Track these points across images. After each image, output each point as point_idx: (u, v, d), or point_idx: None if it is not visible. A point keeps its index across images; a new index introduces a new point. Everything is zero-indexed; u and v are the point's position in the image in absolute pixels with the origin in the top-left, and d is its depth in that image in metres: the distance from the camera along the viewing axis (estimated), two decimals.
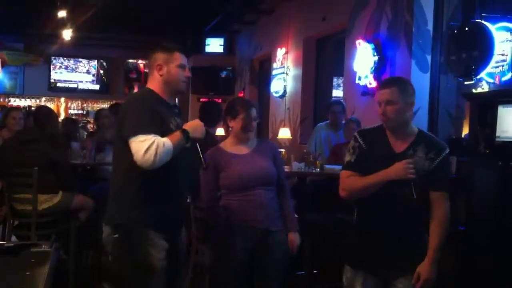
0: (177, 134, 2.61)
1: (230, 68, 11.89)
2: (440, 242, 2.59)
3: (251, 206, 3.18)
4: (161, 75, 2.74)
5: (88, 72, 14.26)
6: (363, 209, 2.77)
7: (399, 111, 2.57)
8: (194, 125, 2.73)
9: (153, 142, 2.49)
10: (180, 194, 2.84)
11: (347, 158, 2.75)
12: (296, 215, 3.42)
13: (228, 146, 3.34)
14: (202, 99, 11.70)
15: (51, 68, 14.07)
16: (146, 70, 14.32)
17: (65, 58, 14.13)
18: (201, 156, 2.75)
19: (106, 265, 2.75)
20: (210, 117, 4.71)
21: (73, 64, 14.22)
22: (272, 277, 3.26)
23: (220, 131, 5.35)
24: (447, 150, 2.66)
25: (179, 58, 2.76)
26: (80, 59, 14.14)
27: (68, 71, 14.23)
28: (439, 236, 2.59)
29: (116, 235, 2.64)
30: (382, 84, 2.74)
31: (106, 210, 2.75)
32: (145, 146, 2.47)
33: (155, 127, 2.56)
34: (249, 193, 3.18)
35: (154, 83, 2.76)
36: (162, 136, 2.56)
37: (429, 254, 2.58)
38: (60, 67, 14.19)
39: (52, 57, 13.98)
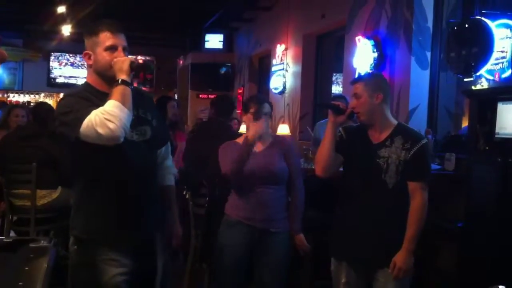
0: (113, 91, 2.19)
1: (230, 64, 11.89)
2: (415, 232, 2.66)
3: (251, 205, 3.18)
4: (90, 66, 2.33)
5: None
6: (343, 202, 2.87)
7: (364, 104, 2.73)
8: (118, 66, 2.24)
9: (96, 114, 2.11)
10: (143, 199, 2.43)
11: None
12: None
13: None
14: (201, 95, 11.70)
15: (57, 65, 14.11)
16: None
17: (71, 55, 14.16)
18: (145, 66, 2.28)
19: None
20: (223, 109, 4.76)
21: (79, 61, 14.25)
22: (270, 277, 3.24)
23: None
24: (424, 141, 2.73)
25: (106, 39, 2.28)
26: None
27: (74, 68, 14.26)
28: (414, 226, 2.65)
29: (75, 247, 2.40)
30: (352, 80, 2.93)
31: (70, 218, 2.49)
32: (91, 124, 2.10)
33: (90, 108, 2.16)
34: (253, 191, 3.18)
35: (89, 76, 2.37)
36: None
37: (404, 244, 2.65)
38: (66, 64, 14.22)
39: (58, 53, 14.01)
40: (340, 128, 2.89)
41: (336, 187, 2.94)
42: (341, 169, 2.97)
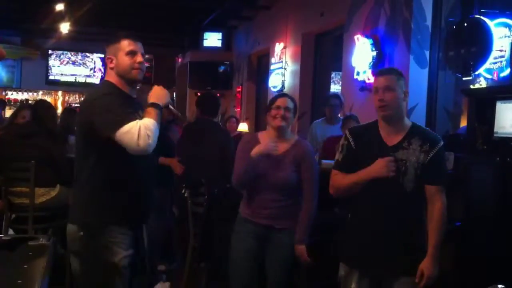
0: (150, 110, 2.53)
1: (228, 62, 11.86)
2: (439, 238, 2.56)
3: (255, 205, 3.24)
4: (112, 68, 2.65)
5: (94, 67, 14.29)
6: (356, 206, 2.74)
7: (396, 98, 2.58)
8: (157, 93, 2.61)
9: (140, 126, 2.41)
10: (144, 192, 2.75)
11: (336, 156, 2.77)
12: None
13: (264, 139, 3.28)
14: (200, 94, 11.67)
15: (59, 63, 14.11)
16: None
17: (72, 53, 14.18)
18: (173, 110, 2.81)
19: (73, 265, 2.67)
20: (209, 107, 4.75)
21: (80, 60, 14.25)
22: (275, 273, 3.27)
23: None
24: (442, 143, 2.64)
25: (126, 45, 2.64)
26: (88, 54, 14.18)
27: (75, 66, 14.28)
28: (438, 232, 2.56)
29: (81, 233, 2.59)
30: (381, 71, 2.77)
31: (70, 209, 2.72)
32: (135, 133, 2.39)
33: (131, 115, 2.49)
34: (259, 193, 3.22)
35: (110, 77, 2.68)
36: None
37: (430, 251, 2.55)
38: (68, 62, 14.22)
39: (60, 52, 14.02)
40: (347, 132, 2.77)
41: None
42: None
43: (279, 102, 3.23)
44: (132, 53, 2.62)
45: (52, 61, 14.24)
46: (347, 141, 2.71)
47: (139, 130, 2.39)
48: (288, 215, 3.23)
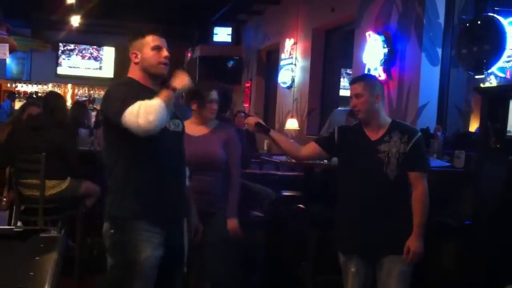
0: (161, 92, 2.47)
1: (238, 57, 11.84)
2: (422, 218, 2.82)
3: (192, 192, 3.18)
4: (137, 63, 2.63)
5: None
6: (345, 197, 3.00)
7: (365, 103, 2.89)
8: (178, 78, 2.55)
9: (140, 105, 2.33)
10: (176, 185, 2.69)
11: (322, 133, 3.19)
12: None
13: (187, 125, 3.36)
14: None
15: (80, 58, 14.28)
16: None
17: (93, 48, 14.28)
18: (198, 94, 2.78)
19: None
20: (224, 102, 4.76)
21: (102, 55, 14.37)
22: (210, 256, 3.30)
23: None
24: (419, 134, 2.91)
25: (152, 40, 2.61)
26: (103, 48, 14.32)
27: (95, 61, 14.40)
28: (421, 212, 2.82)
29: (112, 230, 2.56)
30: (352, 80, 3.13)
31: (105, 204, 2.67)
32: (134, 113, 2.32)
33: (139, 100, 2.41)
34: (193, 178, 3.20)
35: (134, 72, 2.66)
36: None
37: (414, 230, 2.82)
38: (90, 57, 14.34)
39: (83, 47, 14.16)
40: (336, 128, 3.11)
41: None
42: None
43: (213, 95, 3.35)
44: (157, 48, 2.61)
45: (74, 57, 14.33)
46: (333, 134, 3.07)
47: (139, 109, 2.32)
48: (223, 197, 3.29)
